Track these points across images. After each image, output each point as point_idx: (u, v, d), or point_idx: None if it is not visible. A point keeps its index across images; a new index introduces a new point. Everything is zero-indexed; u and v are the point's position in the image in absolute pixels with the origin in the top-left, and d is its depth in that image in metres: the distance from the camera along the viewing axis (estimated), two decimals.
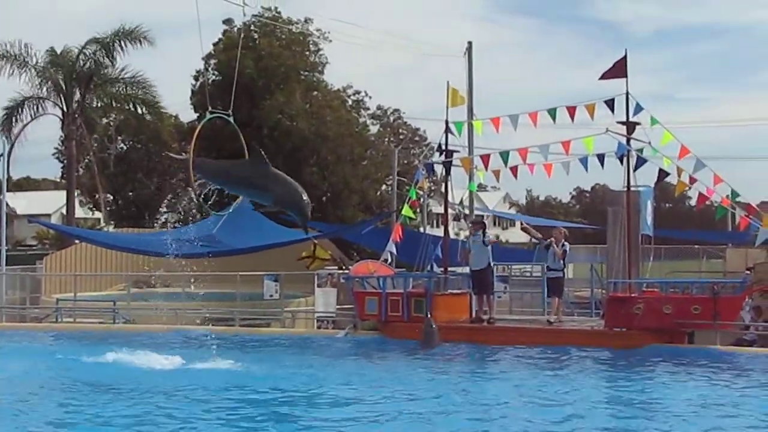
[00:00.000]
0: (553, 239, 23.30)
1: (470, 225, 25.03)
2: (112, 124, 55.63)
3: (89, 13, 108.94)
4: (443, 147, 24.89)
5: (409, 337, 21.84)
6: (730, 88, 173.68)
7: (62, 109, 46.32)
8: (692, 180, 22.02)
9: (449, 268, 25.16)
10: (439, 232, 30.80)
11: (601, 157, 22.35)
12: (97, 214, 60.22)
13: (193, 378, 17.07)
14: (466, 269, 24.83)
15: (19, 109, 45.86)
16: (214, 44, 50.68)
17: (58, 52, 46.69)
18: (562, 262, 22.97)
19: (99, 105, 49.46)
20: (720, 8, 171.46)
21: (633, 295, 21.30)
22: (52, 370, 18.55)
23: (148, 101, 47.32)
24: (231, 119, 19.58)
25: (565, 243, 23.18)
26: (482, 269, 23.16)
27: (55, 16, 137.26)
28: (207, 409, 14.05)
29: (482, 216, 25.70)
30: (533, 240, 25.58)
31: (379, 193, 54.83)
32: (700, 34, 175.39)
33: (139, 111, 48.76)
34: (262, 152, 18.65)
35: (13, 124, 45.78)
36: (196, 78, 52.37)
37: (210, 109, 20.24)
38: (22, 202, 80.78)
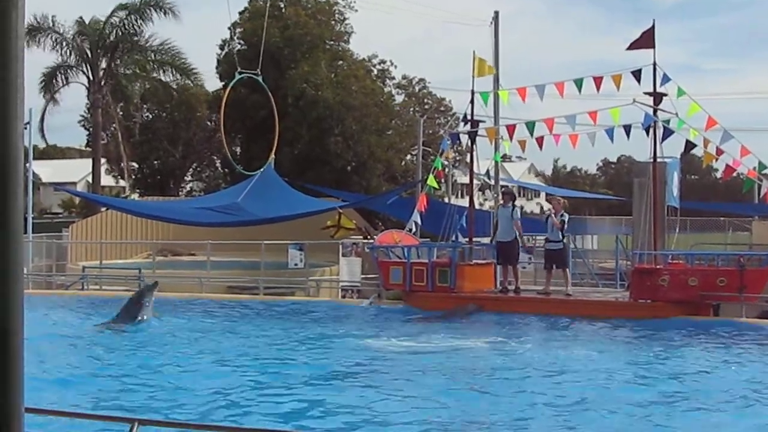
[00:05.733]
0: (552, 209, 23.20)
1: (501, 196, 24.95)
2: (138, 92, 55.81)
3: None
4: (469, 117, 24.83)
5: (434, 307, 21.91)
6: (757, 58, 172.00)
7: (88, 77, 46.58)
8: (719, 151, 21.89)
9: (474, 238, 25.15)
10: (464, 202, 30.76)
11: (627, 128, 22.26)
12: (122, 183, 60.45)
13: None
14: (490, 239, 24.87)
15: (53, 77, 46.43)
16: (240, 13, 50.63)
17: (86, 22, 47.00)
18: (560, 233, 22.84)
19: (125, 72, 49.65)
20: None
21: (658, 266, 21.24)
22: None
23: (179, 66, 47.56)
24: (260, 78, 19.63)
25: (564, 214, 23.01)
26: (509, 241, 23.14)
27: None
28: None
29: (511, 187, 25.56)
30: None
31: (403, 162, 54.78)
32: (726, 3, 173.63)
33: (170, 77, 49.11)
34: None
35: (52, 87, 46.43)
36: (221, 47, 52.36)
37: (239, 69, 20.26)
38: (47, 170, 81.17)
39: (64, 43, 46.01)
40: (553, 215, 22.82)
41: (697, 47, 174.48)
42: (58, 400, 11.55)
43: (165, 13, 45.81)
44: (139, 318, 19.92)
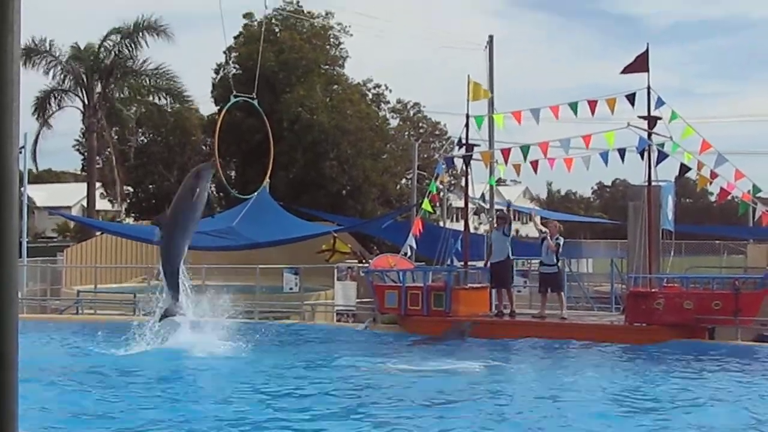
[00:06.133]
0: (547, 232, 23.19)
1: (495, 219, 25.01)
2: (132, 116, 55.86)
3: (110, 9, 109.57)
4: (464, 141, 24.85)
5: (429, 331, 21.89)
6: (755, 81, 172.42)
7: (83, 101, 46.61)
8: (713, 175, 21.92)
9: (470, 262, 25.13)
10: (459, 226, 30.80)
11: (621, 152, 22.28)
12: (117, 207, 60.45)
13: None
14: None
15: (47, 100, 46.44)
16: (235, 37, 50.74)
17: (81, 47, 47.11)
18: (555, 256, 22.80)
19: (120, 96, 49.70)
20: (739, 1, 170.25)
21: (654, 290, 21.23)
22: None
23: (173, 92, 47.60)
24: (255, 102, 19.56)
25: (560, 237, 22.99)
26: (500, 261, 23.11)
27: (78, 11, 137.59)
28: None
29: (505, 211, 25.39)
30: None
31: (398, 186, 54.77)
32: (720, 27, 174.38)
33: (164, 102, 49.18)
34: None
35: (46, 112, 46.45)
36: (216, 71, 52.43)
37: (234, 93, 20.19)
38: (42, 194, 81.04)
39: (59, 67, 46.08)
40: (548, 238, 22.80)
41: (691, 70, 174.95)
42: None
43: (158, 34, 45.90)
44: (196, 203, 19.47)
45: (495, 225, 24.39)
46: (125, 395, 14.75)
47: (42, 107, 46.56)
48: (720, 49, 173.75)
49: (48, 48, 45.66)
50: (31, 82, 45.80)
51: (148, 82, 47.89)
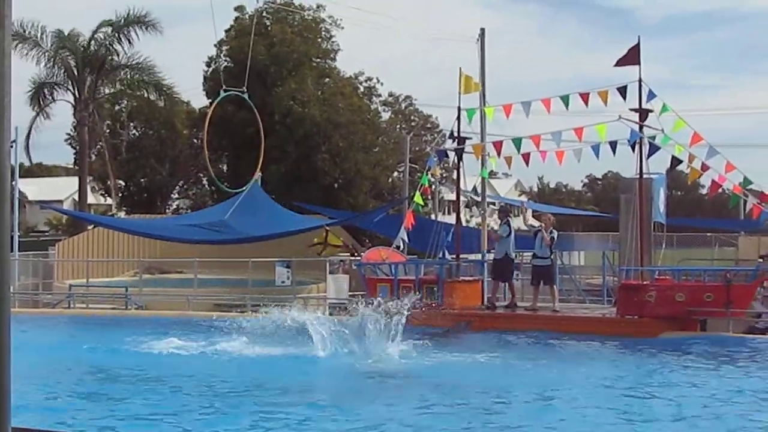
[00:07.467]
0: (542, 226, 23.22)
1: (498, 213, 25.10)
2: (124, 110, 55.78)
3: (102, 2, 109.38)
4: (455, 134, 24.85)
5: (421, 324, 21.90)
6: (744, 74, 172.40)
7: (74, 94, 46.45)
8: (705, 167, 21.95)
9: (461, 255, 25.15)
10: (451, 219, 30.79)
11: (613, 145, 22.30)
12: (109, 200, 60.39)
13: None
14: (478, 256, 24.88)
15: (40, 92, 46.23)
16: (226, 31, 50.65)
17: (66, 34, 46.73)
18: (549, 249, 22.83)
19: (109, 91, 49.63)
20: None
21: (645, 282, 21.25)
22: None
23: (160, 86, 47.48)
24: (246, 96, 19.44)
25: (554, 230, 23.01)
26: (500, 259, 23.18)
27: (69, 4, 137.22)
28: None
29: (503, 203, 25.34)
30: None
31: (390, 180, 54.82)
32: (713, 20, 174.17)
33: (152, 97, 49.04)
34: None
35: (41, 103, 46.23)
36: (208, 64, 52.34)
37: (224, 87, 20.03)
38: (33, 188, 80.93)
39: (47, 56, 45.73)
40: (543, 231, 22.81)
41: (683, 63, 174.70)
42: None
43: (146, 28, 45.76)
44: None
45: (500, 221, 24.40)
46: None
47: (37, 93, 46.28)
48: (713, 42, 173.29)
49: (39, 35, 45.35)
50: (21, 73, 45.58)
51: (131, 75, 47.67)
